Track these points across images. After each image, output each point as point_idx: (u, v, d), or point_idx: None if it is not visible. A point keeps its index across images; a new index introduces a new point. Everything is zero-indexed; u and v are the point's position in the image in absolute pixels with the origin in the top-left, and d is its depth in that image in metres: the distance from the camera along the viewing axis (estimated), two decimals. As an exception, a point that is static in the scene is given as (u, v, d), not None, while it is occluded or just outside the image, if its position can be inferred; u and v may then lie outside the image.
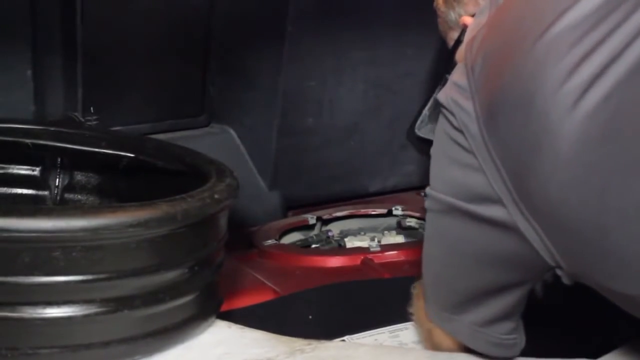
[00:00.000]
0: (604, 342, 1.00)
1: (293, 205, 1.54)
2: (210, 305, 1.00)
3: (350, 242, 1.42)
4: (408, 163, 1.60)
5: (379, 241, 1.41)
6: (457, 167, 0.86)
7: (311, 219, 1.48)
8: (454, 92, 0.87)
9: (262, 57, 1.46)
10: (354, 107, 1.54)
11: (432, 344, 0.99)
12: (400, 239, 1.42)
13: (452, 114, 0.86)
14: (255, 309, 1.14)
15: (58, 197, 1.21)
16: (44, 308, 0.84)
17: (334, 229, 1.48)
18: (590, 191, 0.76)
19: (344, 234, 1.46)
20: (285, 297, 1.19)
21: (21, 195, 1.21)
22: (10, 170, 1.21)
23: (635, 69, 0.75)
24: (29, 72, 1.31)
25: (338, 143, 1.54)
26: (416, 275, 1.18)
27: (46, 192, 1.22)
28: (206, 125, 1.50)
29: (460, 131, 0.85)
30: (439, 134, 0.89)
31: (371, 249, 1.36)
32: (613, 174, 0.75)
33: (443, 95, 0.88)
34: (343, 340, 1.05)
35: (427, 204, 0.91)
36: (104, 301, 0.87)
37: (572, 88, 0.77)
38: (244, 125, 1.51)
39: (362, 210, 1.50)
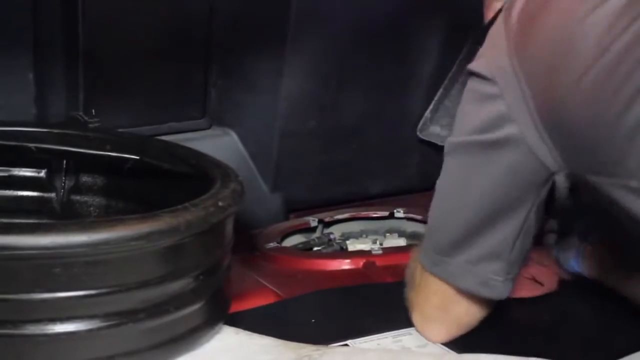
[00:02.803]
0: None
1: (295, 207, 1.54)
2: (217, 312, 1.00)
3: (352, 245, 1.42)
4: (410, 166, 1.61)
5: (380, 244, 1.41)
6: (474, 104, 1.00)
7: (313, 221, 1.47)
8: (487, 43, 1.00)
9: (264, 60, 1.45)
10: (355, 110, 1.53)
11: (423, 296, 1.06)
12: (402, 241, 1.42)
13: (485, 58, 0.99)
14: (257, 312, 1.14)
15: (64, 199, 1.21)
16: (47, 324, 0.84)
17: (336, 231, 1.48)
18: (605, 101, 0.88)
19: (346, 237, 1.47)
20: (287, 300, 1.19)
21: (27, 197, 1.21)
22: (15, 173, 1.21)
23: None
24: (31, 75, 1.31)
25: (340, 146, 1.54)
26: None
27: (52, 194, 1.21)
28: (207, 128, 1.50)
29: (491, 71, 0.97)
30: (465, 93, 1.02)
31: (373, 252, 1.36)
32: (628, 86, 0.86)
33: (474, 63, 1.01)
34: (346, 345, 1.05)
35: (445, 149, 1.03)
36: (107, 315, 0.86)
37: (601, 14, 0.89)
38: (245, 127, 1.51)
39: (364, 213, 1.50)
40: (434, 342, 1.06)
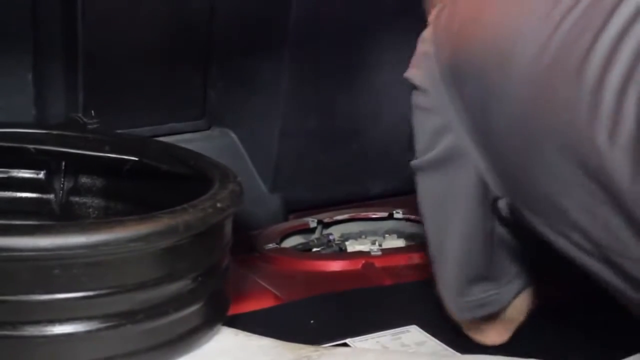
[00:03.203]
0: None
1: (294, 208, 1.54)
2: (216, 313, 1.00)
3: (351, 246, 1.42)
4: (409, 166, 1.60)
5: (380, 245, 1.41)
6: (416, 119, 0.95)
7: (312, 222, 1.47)
8: (418, 50, 0.95)
9: (263, 61, 1.45)
10: (354, 111, 1.53)
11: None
12: (401, 242, 1.42)
13: (418, 68, 0.94)
14: (256, 313, 1.14)
15: (63, 200, 1.21)
16: (46, 326, 0.83)
17: (335, 232, 1.48)
18: (529, 126, 0.81)
19: (345, 238, 1.46)
20: (286, 301, 1.19)
21: (26, 198, 1.21)
22: (14, 174, 1.21)
23: None
24: (30, 76, 1.31)
25: (339, 146, 1.54)
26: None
27: (51, 196, 1.21)
28: (207, 129, 1.50)
29: (424, 82, 0.93)
30: (413, 113, 0.96)
31: (372, 253, 1.36)
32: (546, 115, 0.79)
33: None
34: (345, 343, 1.05)
35: (411, 170, 0.99)
36: (106, 317, 0.86)
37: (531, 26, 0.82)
38: (244, 128, 1.51)
39: (363, 214, 1.50)
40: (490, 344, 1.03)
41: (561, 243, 0.82)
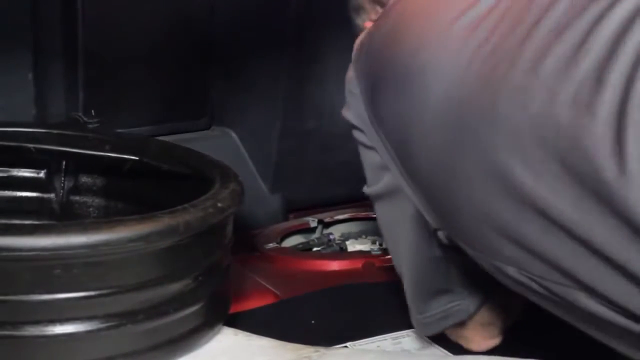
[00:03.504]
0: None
1: (294, 208, 1.54)
2: (217, 313, 1.00)
3: (352, 246, 1.42)
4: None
5: (380, 244, 1.41)
6: (362, 153, 0.96)
7: (312, 222, 1.47)
8: (347, 89, 0.97)
9: (263, 60, 1.45)
10: (355, 110, 1.53)
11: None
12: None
13: (349, 108, 0.96)
14: (256, 312, 1.14)
15: (64, 200, 1.21)
16: (46, 326, 0.83)
17: (335, 232, 1.48)
18: (446, 168, 0.81)
19: (345, 237, 1.46)
20: (286, 301, 1.19)
21: (26, 198, 1.21)
22: (14, 173, 1.21)
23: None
24: (30, 75, 1.31)
25: (339, 146, 1.53)
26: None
27: (52, 195, 1.21)
28: (207, 128, 1.50)
29: (357, 121, 0.95)
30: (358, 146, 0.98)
31: (372, 253, 1.36)
32: (462, 146, 0.79)
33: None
34: (345, 347, 1.05)
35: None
36: (106, 317, 0.86)
37: (437, 62, 0.82)
38: (245, 128, 1.51)
39: (363, 214, 1.49)
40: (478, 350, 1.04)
41: (500, 277, 0.82)
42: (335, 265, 1.33)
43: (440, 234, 0.90)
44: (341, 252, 1.40)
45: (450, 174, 0.81)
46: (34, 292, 0.83)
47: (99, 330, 0.86)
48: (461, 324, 1.01)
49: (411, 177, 0.89)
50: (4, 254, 0.81)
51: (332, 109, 1.52)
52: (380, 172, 0.94)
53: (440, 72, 0.82)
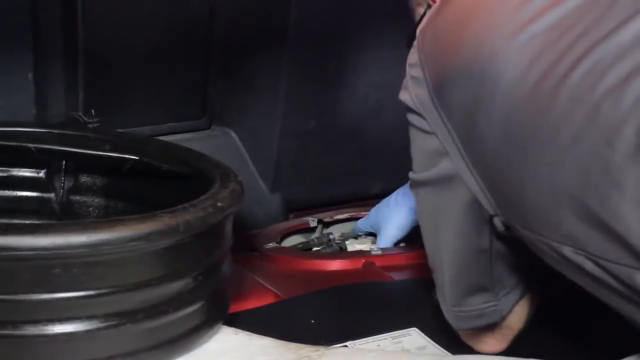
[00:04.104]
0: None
1: (294, 208, 1.54)
2: (216, 312, 1.00)
3: (352, 245, 1.42)
4: (409, 166, 1.60)
5: (382, 243, 1.41)
6: (416, 138, 0.96)
7: (312, 221, 1.47)
8: (408, 74, 0.96)
9: (264, 60, 1.45)
10: (355, 110, 1.53)
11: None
12: (401, 242, 1.42)
13: (409, 91, 0.96)
14: (256, 312, 1.14)
15: (64, 199, 1.21)
16: (46, 325, 0.83)
17: (335, 231, 1.48)
18: (513, 149, 0.83)
19: (345, 237, 1.46)
20: (286, 301, 1.19)
21: (26, 197, 1.21)
22: (14, 173, 1.21)
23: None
24: (30, 75, 1.31)
25: (339, 146, 1.54)
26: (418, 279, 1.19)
27: (52, 195, 1.21)
28: (207, 128, 1.50)
29: (416, 105, 0.94)
30: (410, 130, 0.98)
31: (372, 252, 1.36)
32: (529, 136, 0.81)
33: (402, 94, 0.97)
34: (345, 346, 1.05)
35: (409, 184, 1.02)
36: (106, 316, 0.86)
37: (504, 57, 0.84)
38: (245, 127, 1.51)
39: (364, 213, 1.49)
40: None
41: (554, 258, 0.83)
42: (335, 265, 1.33)
43: (497, 220, 0.91)
44: (341, 252, 1.40)
45: (520, 152, 0.82)
46: (33, 292, 0.83)
47: (98, 329, 0.86)
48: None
49: (474, 161, 0.89)
50: (4, 253, 0.81)
51: (333, 109, 1.53)
52: (436, 158, 0.93)
53: (509, 61, 0.83)
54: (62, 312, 0.84)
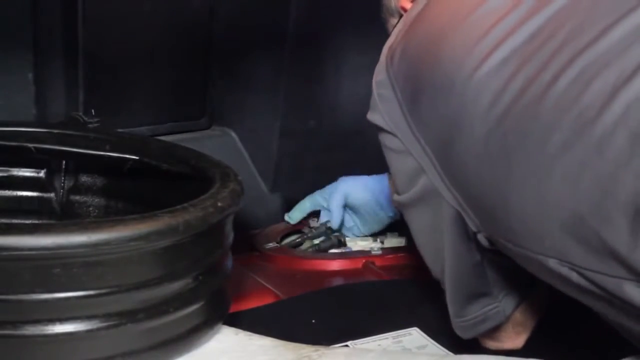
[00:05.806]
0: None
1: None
2: (217, 312, 0.99)
3: (353, 243, 1.42)
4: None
5: (381, 242, 1.41)
6: (393, 158, 0.96)
7: (312, 221, 1.47)
8: (376, 93, 0.96)
9: (264, 60, 1.45)
10: (355, 111, 1.52)
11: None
12: (402, 241, 1.42)
13: (379, 111, 0.95)
14: (256, 312, 1.14)
15: (64, 199, 1.21)
16: (46, 325, 0.83)
17: (335, 231, 1.48)
18: (496, 164, 0.82)
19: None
20: (286, 301, 1.19)
21: (27, 197, 1.21)
22: (15, 173, 1.20)
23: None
24: (30, 75, 1.31)
25: (339, 146, 1.54)
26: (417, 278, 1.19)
27: (52, 195, 1.21)
28: (207, 128, 1.51)
29: (389, 125, 0.93)
30: (384, 152, 0.98)
31: (373, 252, 1.36)
32: (513, 149, 0.80)
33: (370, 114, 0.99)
34: (346, 346, 1.05)
35: (396, 205, 1.02)
36: (106, 316, 0.86)
37: (484, 73, 0.83)
38: (245, 127, 1.51)
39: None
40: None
41: (539, 269, 0.83)
42: (335, 265, 1.33)
43: (480, 236, 0.90)
44: (341, 252, 1.39)
45: (504, 165, 0.81)
46: (34, 292, 0.82)
47: (98, 329, 0.85)
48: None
49: (452, 180, 0.89)
50: (4, 253, 0.80)
51: (332, 109, 1.53)
52: (415, 176, 0.93)
53: (490, 75, 0.83)
54: (62, 312, 0.84)
